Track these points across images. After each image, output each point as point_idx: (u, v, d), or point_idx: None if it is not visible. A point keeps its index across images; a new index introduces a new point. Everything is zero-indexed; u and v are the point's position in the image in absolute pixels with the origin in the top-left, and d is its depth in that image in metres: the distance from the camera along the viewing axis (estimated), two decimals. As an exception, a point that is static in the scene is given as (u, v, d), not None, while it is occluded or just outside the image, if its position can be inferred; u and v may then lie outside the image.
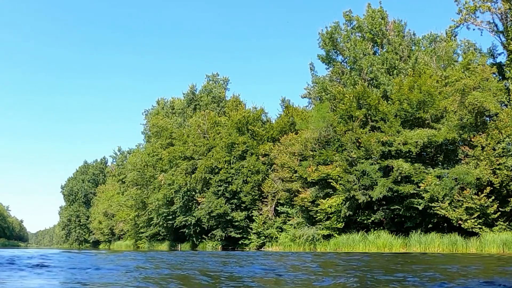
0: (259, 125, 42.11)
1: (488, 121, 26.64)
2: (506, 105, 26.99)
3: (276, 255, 17.03)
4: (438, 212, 25.08)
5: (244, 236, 38.96)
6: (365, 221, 28.76)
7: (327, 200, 29.43)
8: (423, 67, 31.28)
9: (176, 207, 46.56)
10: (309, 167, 30.58)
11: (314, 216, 30.25)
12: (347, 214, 28.66)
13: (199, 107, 57.85)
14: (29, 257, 12.27)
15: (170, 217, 48.16)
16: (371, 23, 35.55)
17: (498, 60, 30.60)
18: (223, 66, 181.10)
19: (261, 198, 37.81)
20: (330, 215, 29.47)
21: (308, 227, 31.01)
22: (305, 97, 40.92)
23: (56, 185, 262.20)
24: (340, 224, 29.24)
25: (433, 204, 25.28)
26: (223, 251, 31.45)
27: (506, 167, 23.73)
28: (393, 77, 32.80)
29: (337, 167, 29.47)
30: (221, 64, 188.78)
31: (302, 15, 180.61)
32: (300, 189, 31.73)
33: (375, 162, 28.07)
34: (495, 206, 23.62)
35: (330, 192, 29.82)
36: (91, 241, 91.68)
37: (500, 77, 28.93)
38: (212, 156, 41.97)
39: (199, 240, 45.70)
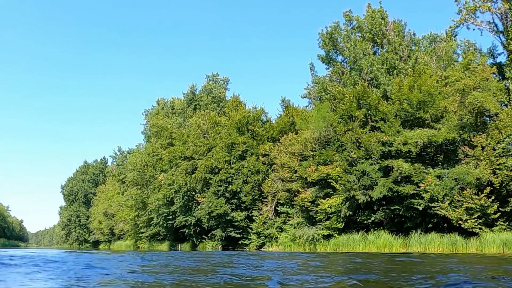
0: (259, 125, 42.11)
1: (488, 121, 26.63)
2: (506, 105, 26.98)
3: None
4: (438, 212, 25.07)
5: (244, 236, 38.96)
6: (365, 221, 28.76)
7: (327, 200, 29.41)
8: (423, 67, 31.27)
9: (176, 207, 46.55)
10: (309, 167, 30.57)
11: (314, 216, 30.23)
12: (347, 214, 28.65)
13: (199, 107, 57.84)
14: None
15: (170, 217, 48.15)
16: (371, 23, 35.55)
17: (498, 60, 30.62)
18: (223, 66, 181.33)
19: (261, 198, 37.80)
20: (330, 215, 29.46)
21: (308, 227, 31.00)
22: (305, 97, 40.95)
23: (56, 185, 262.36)
24: (340, 224, 29.23)
25: (433, 204, 25.27)
26: (224, 251, 31.43)
27: (506, 167, 23.71)
28: (393, 77, 32.79)
29: (337, 167, 29.47)
30: (221, 64, 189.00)
31: (302, 15, 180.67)
32: (300, 189, 31.71)
33: (375, 162, 28.06)
34: (495, 206, 23.60)
35: (330, 192, 29.81)
36: (91, 241, 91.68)
37: (500, 77, 28.92)
38: (212, 156, 41.97)
39: (199, 240, 45.70)
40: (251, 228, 37.74)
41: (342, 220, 29.18)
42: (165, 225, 50.05)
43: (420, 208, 25.83)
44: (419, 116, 28.39)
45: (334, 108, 32.85)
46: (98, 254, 17.68)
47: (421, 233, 25.69)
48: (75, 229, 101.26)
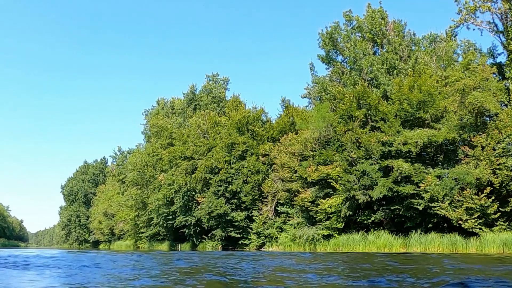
0: (259, 125, 42.09)
1: (488, 121, 26.62)
2: (506, 105, 26.98)
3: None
4: (438, 212, 25.06)
5: (244, 236, 38.95)
6: (365, 221, 28.75)
7: (327, 200, 29.41)
8: (423, 67, 31.26)
9: (176, 207, 46.54)
10: (309, 167, 30.56)
11: (314, 216, 30.23)
12: (347, 214, 28.64)
13: (199, 107, 57.82)
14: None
15: (170, 217, 48.14)
16: (371, 23, 35.53)
17: (498, 60, 30.61)
18: (223, 66, 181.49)
19: (261, 198, 37.80)
20: (330, 215, 29.46)
21: (308, 227, 31.00)
22: (305, 97, 40.93)
23: (56, 185, 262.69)
24: (340, 224, 29.23)
25: (433, 204, 25.27)
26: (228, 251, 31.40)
27: (506, 167, 23.71)
28: (393, 77, 32.78)
29: (337, 167, 29.46)
30: (221, 64, 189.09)
31: (302, 15, 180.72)
32: (300, 189, 31.71)
33: (375, 162, 28.06)
34: (495, 206, 23.59)
35: (330, 192, 29.81)
36: (91, 241, 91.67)
37: (500, 77, 28.91)
38: (212, 156, 41.95)
39: (199, 240, 45.69)
40: (251, 228, 37.74)
41: (342, 220, 29.18)
42: (165, 225, 50.04)
43: (420, 208, 25.82)
44: (419, 116, 28.38)
45: (334, 108, 32.84)
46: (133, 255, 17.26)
47: (421, 233, 25.69)
48: (75, 229, 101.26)
